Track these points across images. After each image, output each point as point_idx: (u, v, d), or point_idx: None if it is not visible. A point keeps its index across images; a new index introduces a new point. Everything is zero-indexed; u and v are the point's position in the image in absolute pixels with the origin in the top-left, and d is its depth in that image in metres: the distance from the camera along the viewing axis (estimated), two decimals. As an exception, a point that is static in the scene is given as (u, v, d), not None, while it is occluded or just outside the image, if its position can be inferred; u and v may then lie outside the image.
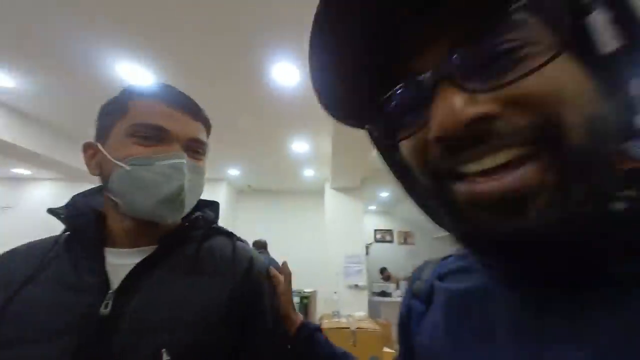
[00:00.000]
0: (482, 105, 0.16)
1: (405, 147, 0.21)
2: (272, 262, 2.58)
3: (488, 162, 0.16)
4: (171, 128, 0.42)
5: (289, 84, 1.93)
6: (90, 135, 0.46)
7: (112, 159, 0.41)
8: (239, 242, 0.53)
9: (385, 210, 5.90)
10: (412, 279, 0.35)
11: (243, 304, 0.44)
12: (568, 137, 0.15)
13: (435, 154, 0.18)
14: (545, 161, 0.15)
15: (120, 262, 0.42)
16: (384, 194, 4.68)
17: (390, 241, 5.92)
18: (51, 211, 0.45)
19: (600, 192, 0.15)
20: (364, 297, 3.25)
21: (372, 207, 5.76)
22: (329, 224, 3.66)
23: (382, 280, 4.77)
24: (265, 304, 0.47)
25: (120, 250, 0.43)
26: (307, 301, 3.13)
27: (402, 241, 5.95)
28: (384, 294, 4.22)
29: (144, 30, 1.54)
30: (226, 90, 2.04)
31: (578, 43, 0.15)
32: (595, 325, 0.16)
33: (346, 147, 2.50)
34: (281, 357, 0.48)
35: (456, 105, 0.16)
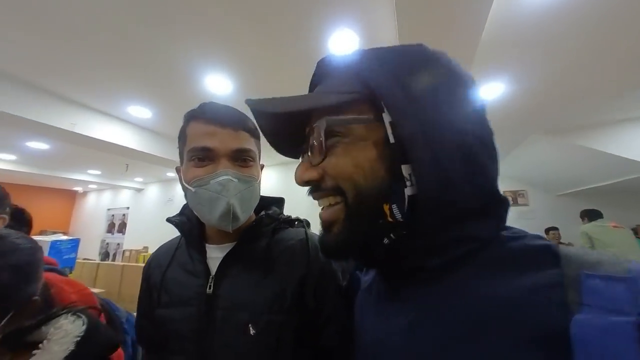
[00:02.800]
0: (311, 173, 0.31)
1: None
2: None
3: (321, 203, 0.33)
4: (214, 146, 0.47)
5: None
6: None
7: (184, 183, 0.50)
8: (309, 231, 0.57)
9: (484, 168, 5.01)
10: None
11: (312, 288, 0.49)
12: (348, 197, 0.29)
13: None
14: (341, 207, 0.30)
15: (214, 255, 0.52)
16: (480, 151, 3.95)
17: (494, 203, 5.06)
18: (168, 220, 0.58)
19: (371, 231, 0.29)
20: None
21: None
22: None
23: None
24: (332, 285, 0.51)
25: (214, 246, 0.54)
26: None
27: (511, 202, 4.97)
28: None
29: (228, 44, 1.77)
30: (288, 73, 2.14)
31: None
32: (404, 301, 0.30)
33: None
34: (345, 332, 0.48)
35: (298, 171, 0.33)
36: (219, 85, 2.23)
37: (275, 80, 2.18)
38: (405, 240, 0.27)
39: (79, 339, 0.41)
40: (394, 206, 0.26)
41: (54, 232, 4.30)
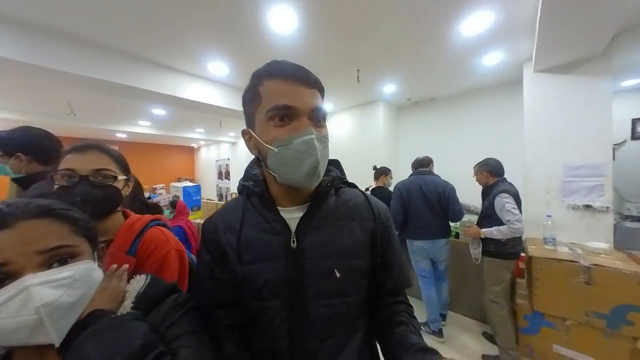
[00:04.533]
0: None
1: None
2: (428, 182, 2.29)
3: None
4: (295, 104, 0.49)
5: None
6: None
7: (264, 143, 0.51)
8: (366, 192, 0.65)
9: (670, 80, 3.23)
10: None
11: (379, 238, 0.60)
12: None
13: None
14: None
15: (287, 216, 0.57)
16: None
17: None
18: (240, 184, 0.63)
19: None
20: (604, 222, 2.15)
21: (630, 83, 3.33)
22: (530, 123, 2.54)
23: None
24: (392, 234, 0.64)
25: (285, 208, 0.58)
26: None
27: None
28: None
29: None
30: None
31: None
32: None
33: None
34: (403, 271, 0.65)
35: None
36: (283, 21, 1.99)
37: (345, 11, 1.76)
38: None
39: (144, 287, 0.53)
40: None
41: (185, 179, 5.65)
